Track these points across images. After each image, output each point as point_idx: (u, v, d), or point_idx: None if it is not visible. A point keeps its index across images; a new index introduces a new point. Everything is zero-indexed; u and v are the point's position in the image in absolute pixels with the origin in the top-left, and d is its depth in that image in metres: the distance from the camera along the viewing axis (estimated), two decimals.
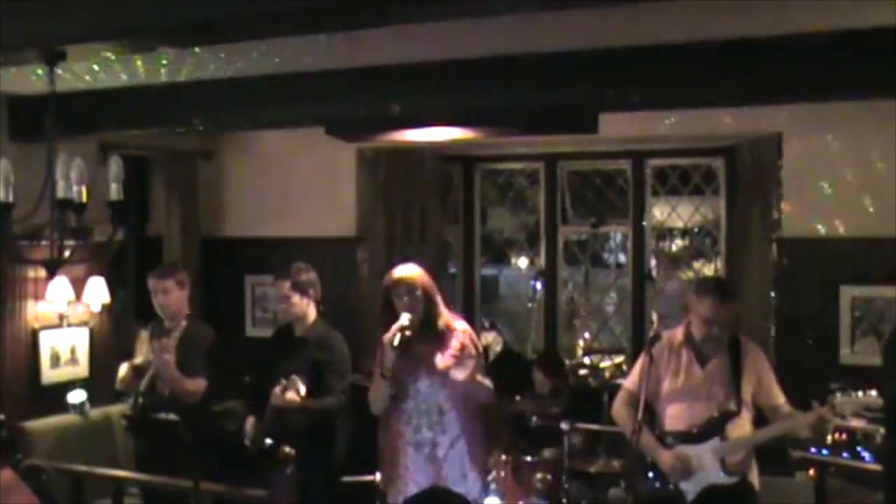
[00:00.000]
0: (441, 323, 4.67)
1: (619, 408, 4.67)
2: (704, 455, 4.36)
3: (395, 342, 4.50)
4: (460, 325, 4.73)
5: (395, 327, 4.53)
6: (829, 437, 4.50)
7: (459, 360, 4.46)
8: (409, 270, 4.73)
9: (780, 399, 4.44)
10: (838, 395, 4.37)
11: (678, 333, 4.57)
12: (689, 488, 4.39)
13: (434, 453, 4.62)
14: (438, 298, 4.75)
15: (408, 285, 4.65)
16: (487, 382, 4.64)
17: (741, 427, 4.41)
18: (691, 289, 4.74)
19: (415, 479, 4.61)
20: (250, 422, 5.36)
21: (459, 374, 4.46)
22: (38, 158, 4.15)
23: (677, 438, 4.43)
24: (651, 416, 4.54)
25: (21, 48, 4.05)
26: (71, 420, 6.30)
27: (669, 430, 4.48)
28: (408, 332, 4.52)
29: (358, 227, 7.41)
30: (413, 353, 4.62)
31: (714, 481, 4.36)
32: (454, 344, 4.58)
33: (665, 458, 4.42)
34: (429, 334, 4.63)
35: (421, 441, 4.64)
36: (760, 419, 4.48)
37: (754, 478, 4.50)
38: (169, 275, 5.53)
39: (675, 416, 4.49)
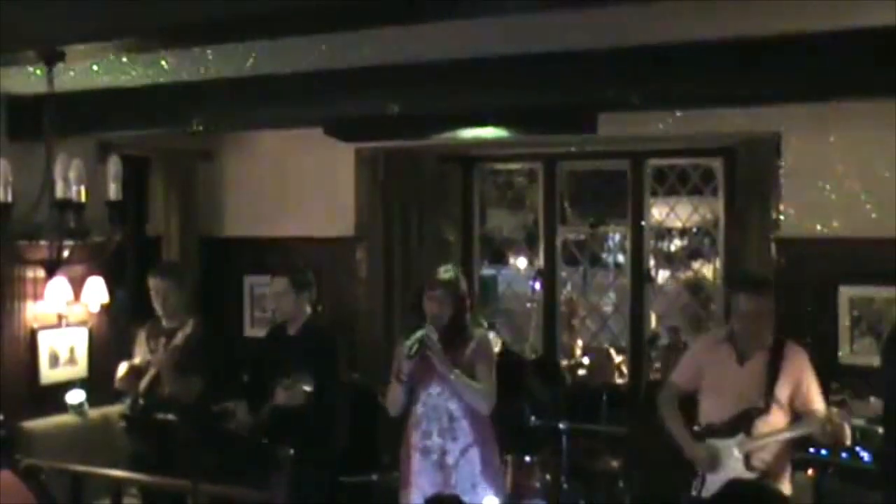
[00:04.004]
0: (464, 333, 4.63)
1: (662, 399, 4.78)
2: (730, 449, 4.47)
3: (412, 353, 4.48)
4: (478, 332, 4.70)
5: (415, 336, 4.51)
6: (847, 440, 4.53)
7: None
8: (447, 274, 4.67)
9: (816, 405, 4.49)
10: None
11: (723, 330, 4.70)
12: (715, 481, 4.46)
13: (443, 460, 4.58)
14: (468, 305, 4.72)
15: (442, 289, 4.59)
16: (479, 386, 4.58)
17: (771, 425, 4.49)
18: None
19: (419, 484, 4.60)
20: (242, 406, 5.36)
21: (440, 366, 4.47)
22: (37, 158, 4.16)
23: (707, 432, 4.56)
24: (694, 409, 4.68)
25: (20, 48, 4.06)
26: (70, 420, 6.30)
27: (702, 424, 4.60)
28: (428, 350, 4.50)
29: (356, 227, 7.41)
30: (428, 359, 4.57)
31: (737, 475, 4.43)
32: (469, 351, 4.57)
33: (694, 450, 4.55)
34: (448, 340, 4.58)
35: (429, 447, 4.61)
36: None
37: (784, 481, 4.55)
38: (170, 274, 5.52)
39: (709, 410, 4.62)
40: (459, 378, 4.53)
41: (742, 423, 4.48)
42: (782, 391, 4.47)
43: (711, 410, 4.61)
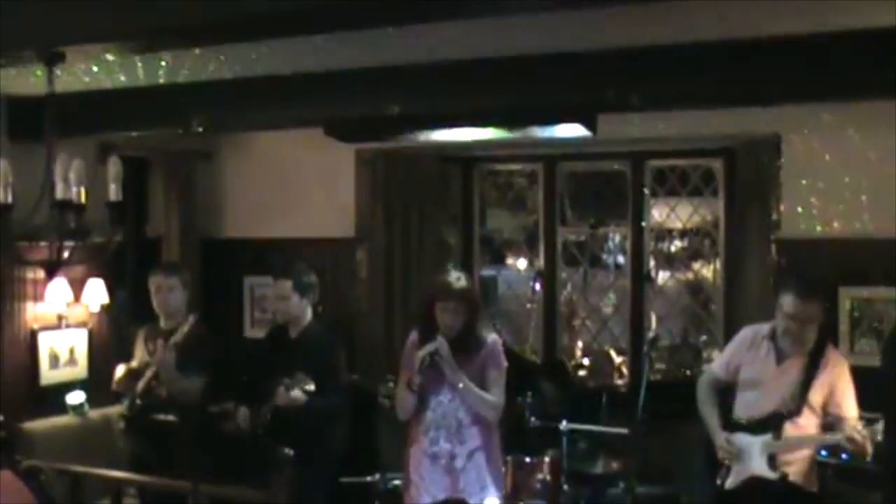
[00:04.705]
0: (475, 340, 4.60)
1: (700, 384, 4.86)
2: (753, 447, 4.51)
3: (423, 366, 4.45)
4: (490, 338, 4.67)
5: (427, 348, 4.48)
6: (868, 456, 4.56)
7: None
8: (460, 283, 4.56)
9: (848, 413, 4.49)
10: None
11: (766, 327, 4.70)
12: (739, 475, 4.55)
13: (452, 465, 4.58)
14: (480, 315, 4.68)
15: (457, 299, 4.51)
16: (489, 397, 4.58)
17: (800, 429, 4.51)
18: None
19: (429, 489, 4.58)
20: (242, 413, 5.36)
21: (452, 377, 4.46)
22: (38, 159, 4.16)
23: (736, 426, 4.61)
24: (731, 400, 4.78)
25: (20, 49, 4.06)
26: (70, 421, 6.30)
27: (735, 417, 4.65)
28: (438, 357, 4.47)
29: (357, 227, 7.41)
30: (439, 366, 4.54)
31: (758, 474, 4.49)
32: (481, 358, 4.55)
33: (718, 439, 4.61)
34: (460, 347, 4.55)
35: (438, 453, 4.59)
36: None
37: (810, 481, 4.59)
38: (176, 273, 5.53)
39: (743, 405, 4.66)
40: (470, 389, 4.53)
41: (771, 424, 4.50)
42: (816, 396, 4.48)
43: (744, 405, 4.66)
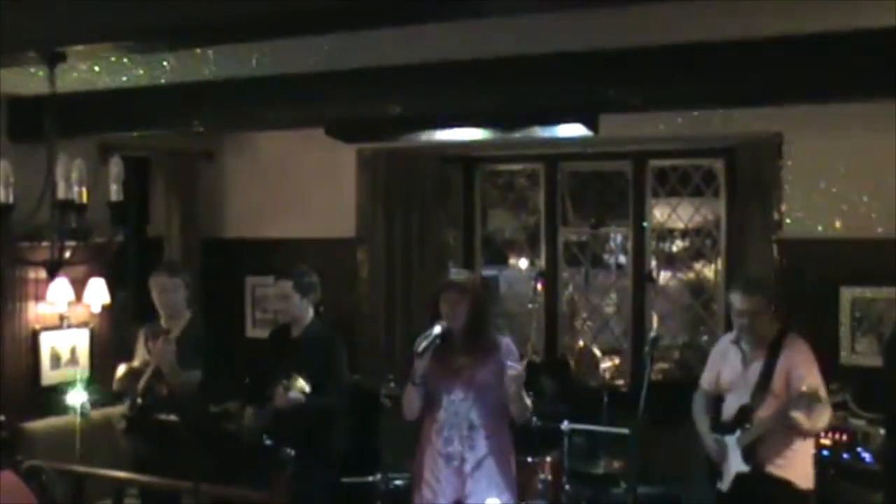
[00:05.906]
0: (486, 337, 4.60)
1: (693, 400, 5.08)
2: (731, 445, 4.72)
3: (420, 348, 4.44)
4: (505, 342, 4.67)
5: (425, 334, 4.47)
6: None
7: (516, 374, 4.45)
8: (460, 276, 4.68)
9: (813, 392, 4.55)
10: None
11: (731, 334, 4.95)
12: (728, 475, 4.76)
13: (461, 468, 4.55)
14: (488, 311, 4.70)
15: (455, 291, 4.53)
16: (529, 402, 4.60)
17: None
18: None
19: (444, 491, 4.56)
20: (248, 412, 5.36)
21: (513, 385, 4.43)
22: (39, 159, 4.15)
23: (719, 429, 4.85)
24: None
25: (21, 49, 4.06)
26: (71, 421, 6.29)
27: (721, 421, 4.86)
28: (437, 341, 4.46)
29: (358, 228, 7.41)
30: (451, 364, 4.55)
31: (738, 470, 4.69)
32: (497, 360, 4.53)
33: (707, 441, 4.87)
34: (471, 346, 4.55)
35: (451, 454, 4.56)
36: None
37: (797, 473, 4.66)
38: (178, 273, 5.54)
39: (724, 409, 4.88)
40: (518, 381, 4.49)
41: (741, 419, 4.70)
42: (778, 383, 4.63)
43: (725, 409, 4.88)
